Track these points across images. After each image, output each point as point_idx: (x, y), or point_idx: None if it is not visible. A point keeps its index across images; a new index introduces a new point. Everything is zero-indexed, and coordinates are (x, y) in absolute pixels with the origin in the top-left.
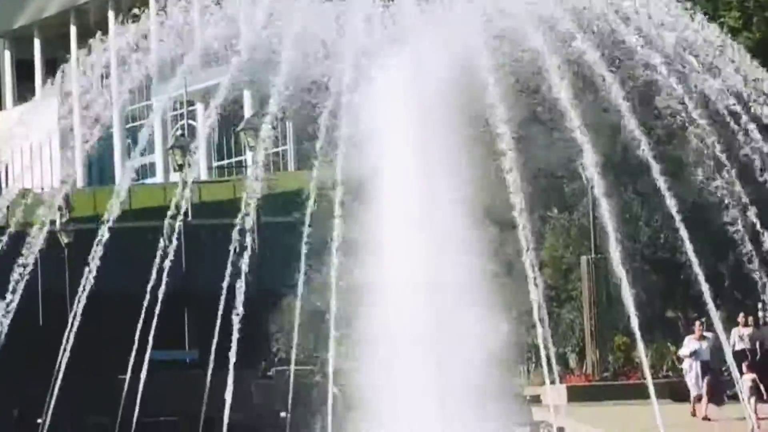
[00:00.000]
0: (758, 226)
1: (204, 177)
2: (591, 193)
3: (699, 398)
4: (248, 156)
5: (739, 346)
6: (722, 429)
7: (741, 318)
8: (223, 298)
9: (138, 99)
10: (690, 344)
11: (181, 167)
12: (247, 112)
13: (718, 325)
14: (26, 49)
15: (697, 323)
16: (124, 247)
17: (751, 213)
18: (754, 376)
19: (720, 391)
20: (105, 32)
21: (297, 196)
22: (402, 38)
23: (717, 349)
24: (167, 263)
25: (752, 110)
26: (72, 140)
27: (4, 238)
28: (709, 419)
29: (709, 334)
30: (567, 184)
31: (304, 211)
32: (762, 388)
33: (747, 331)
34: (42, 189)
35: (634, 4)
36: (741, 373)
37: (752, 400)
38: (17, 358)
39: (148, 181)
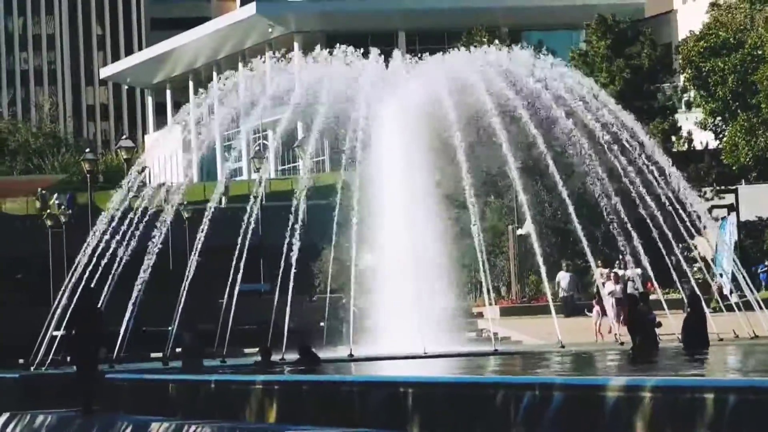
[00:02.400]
0: (618, 205)
1: (273, 176)
2: (514, 186)
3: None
4: (300, 163)
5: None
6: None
7: (598, 263)
8: (284, 251)
9: (231, 126)
10: (608, 286)
11: (258, 170)
12: (299, 135)
13: (595, 269)
14: (161, 96)
15: (613, 272)
16: (223, 220)
17: (615, 198)
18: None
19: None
20: (211, 84)
21: (331, 188)
22: (394, 88)
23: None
24: (250, 229)
25: (615, 133)
26: (190, 152)
27: (149, 215)
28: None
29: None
30: (500, 180)
31: (335, 198)
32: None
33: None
34: (172, 183)
35: (542, 67)
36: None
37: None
38: (155, 290)
39: (238, 178)
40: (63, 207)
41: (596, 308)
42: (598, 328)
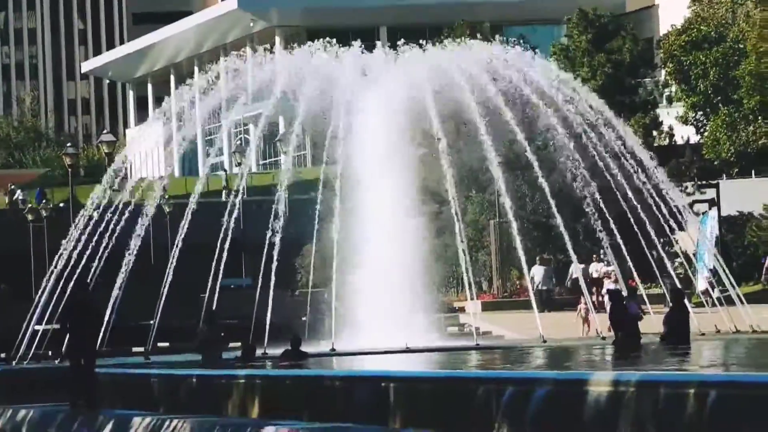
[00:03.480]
0: (600, 200)
1: (254, 170)
2: (496, 181)
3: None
4: (282, 157)
5: (595, 275)
6: (575, 326)
7: (594, 257)
8: (266, 245)
9: (213, 120)
10: (607, 285)
11: (239, 164)
12: (281, 129)
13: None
14: (143, 90)
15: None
16: (204, 214)
17: (596, 193)
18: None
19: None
20: (192, 78)
21: (312, 183)
22: (374, 82)
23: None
24: (232, 223)
25: (597, 129)
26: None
27: (130, 209)
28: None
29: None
30: (482, 175)
31: (316, 192)
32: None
33: (599, 266)
34: (152, 177)
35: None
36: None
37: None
38: (137, 283)
39: (220, 172)
40: (32, 203)
41: (582, 305)
42: (585, 321)
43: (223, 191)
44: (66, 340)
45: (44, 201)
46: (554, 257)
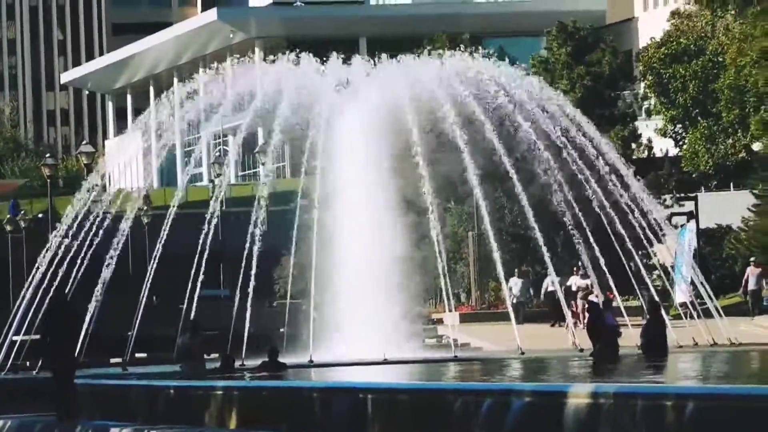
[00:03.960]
0: (578, 212)
1: (233, 181)
2: (474, 192)
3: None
4: (261, 168)
5: (573, 288)
6: (556, 338)
7: (576, 270)
8: (245, 256)
9: (191, 132)
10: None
11: (218, 175)
12: (260, 140)
13: (553, 275)
14: (122, 101)
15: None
16: (183, 225)
17: (575, 205)
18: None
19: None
20: (171, 89)
21: (291, 194)
22: (354, 93)
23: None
24: (210, 234)
25: (575, 140)
26: (150, 157)
27: (107, 220)
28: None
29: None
30: (459, 186)
31: (295, 203)
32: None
33: (577, 279)
34: (131, 188)
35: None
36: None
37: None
38: (115, 294)
39: (198, 183)
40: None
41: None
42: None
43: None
44: (46, 351)
45: (21, 212)
46: (533, 269)
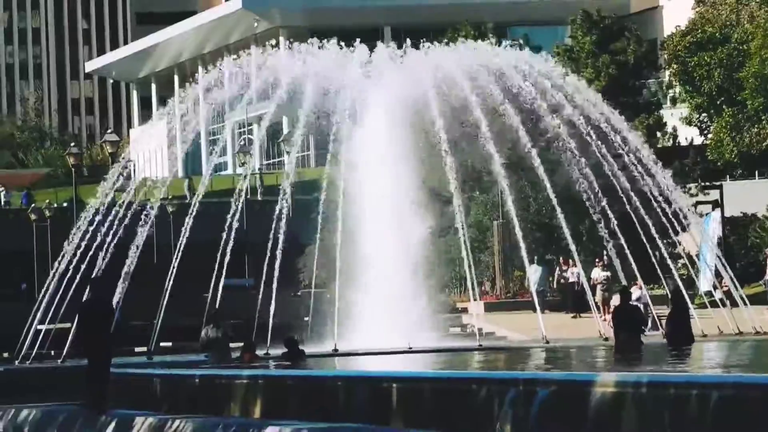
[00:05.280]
0: (604, 202)
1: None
2: (499, 181)
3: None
4: (286, 157)
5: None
6: (581, 328)
7: (597, 261)
8: (269, 245)
9: (216, 120)
10: (634, 292)
11: (243, 164)
12: (285, 129)
13: (578, 264)
14: (146, 90)
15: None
16: (208, 214)
17: (599, 195)
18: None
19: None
20: (196, 79)
21: (316, 183)
22: (379, 80)
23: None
24: (235, 223)
25: (600, 129)
26: (175, 146)
27: (133, 208)
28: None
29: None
30: (485, 176)
31: (320, 192)
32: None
33: (598, 272)
34: (156, 177)
35: (525, 62)
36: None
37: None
38: (140, 283)
39: (223, 173)
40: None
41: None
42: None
43: (187, 193)
44: (82, 340)
45: (32, 204)
46: (557, 258)
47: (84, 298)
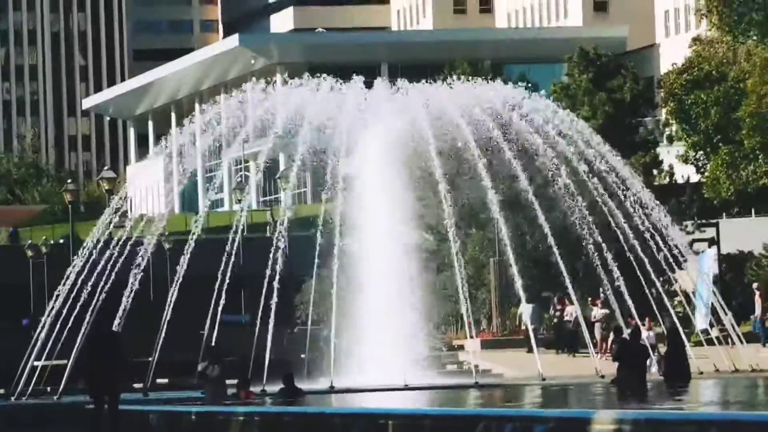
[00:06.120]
0: (600, 239)
1: (254, 207)
2: (495, 218)
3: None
4: (282, 194)
5: (592, 319)
6: (577, 365)
7: (591, 300)
8: (266, 282)
9: (213, 158)
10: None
11: (239, 201)
12: (281, 166)
13: (575, 302)
14: (143, 126)
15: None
16: (204, 250)
17: (596, 233)
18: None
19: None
20: (193, 115)
21: (312, 219)
22: (374, 119)
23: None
24: (231, 260)
25: (595, 167)
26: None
27: (129, 245)
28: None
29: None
30: (481, 213)
31: (316, 229)
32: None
33: (596, 310)
34: (152, 213)
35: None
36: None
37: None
38: (136, 320)
39: (219, 209)
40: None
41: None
42: None
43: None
44: (88, 375)
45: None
46: (554, 294)
47: (89, 330)
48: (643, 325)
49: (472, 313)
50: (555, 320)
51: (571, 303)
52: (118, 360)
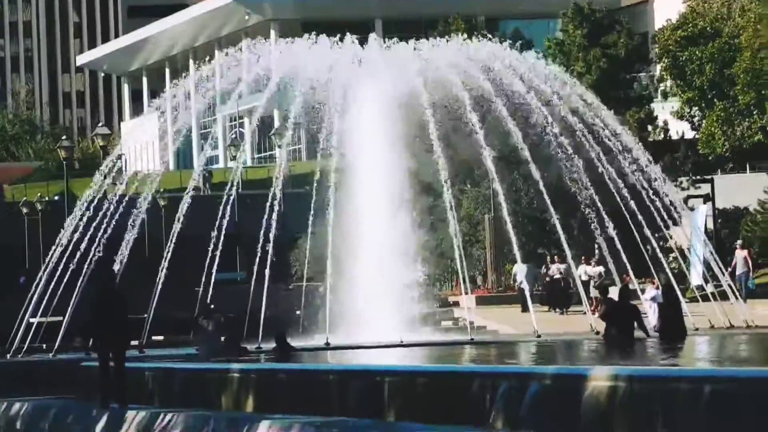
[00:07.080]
0: (594, 195)
1: (249, 164)
2: (490, 174)
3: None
4: (277, 151)
5: (584, 278)
6: (571, 322)
7: (584, 259)
8: (261, 239)
9: (208, 114)
10: (649, 291)
11: (234, 158)
12: (276, 123)
13: (570, 260)
14: (138, 83)
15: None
16: (199, 208)
17: (591, 189)
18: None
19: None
20: (187, 72)
21: (307, 176)
22: (370, 74)
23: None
24: (226, 217)
25: (590, 123)
26: (166, 139)
27: (125, 202)
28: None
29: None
30: (476, 168)
31: (311, 186)
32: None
33: (589, 268)
34: (147, 170)
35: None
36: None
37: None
38: (131, 277)
39: (214, 166)
40: None
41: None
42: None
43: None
44: (94, 332)
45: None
46: (548, 252)
47: (97, 287)
48: (653, 283)
49: (467, 269)
50: (547, 279)
51: (563, 261)
52: (125, 318)
